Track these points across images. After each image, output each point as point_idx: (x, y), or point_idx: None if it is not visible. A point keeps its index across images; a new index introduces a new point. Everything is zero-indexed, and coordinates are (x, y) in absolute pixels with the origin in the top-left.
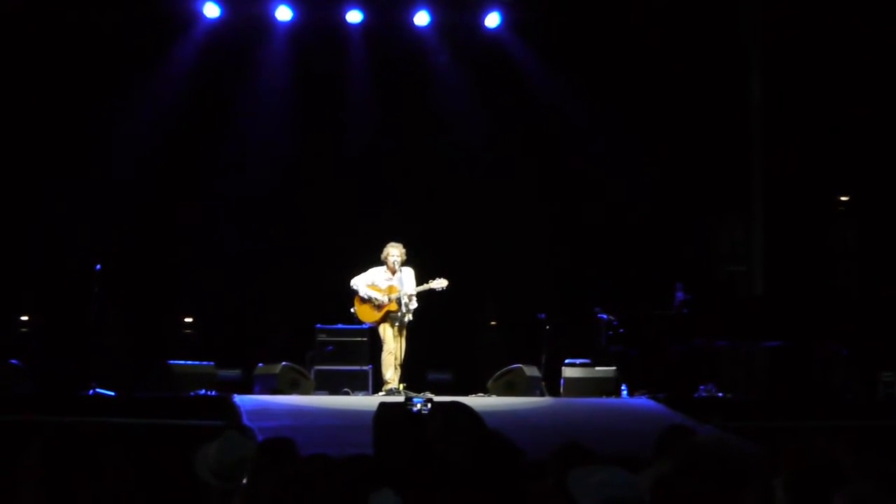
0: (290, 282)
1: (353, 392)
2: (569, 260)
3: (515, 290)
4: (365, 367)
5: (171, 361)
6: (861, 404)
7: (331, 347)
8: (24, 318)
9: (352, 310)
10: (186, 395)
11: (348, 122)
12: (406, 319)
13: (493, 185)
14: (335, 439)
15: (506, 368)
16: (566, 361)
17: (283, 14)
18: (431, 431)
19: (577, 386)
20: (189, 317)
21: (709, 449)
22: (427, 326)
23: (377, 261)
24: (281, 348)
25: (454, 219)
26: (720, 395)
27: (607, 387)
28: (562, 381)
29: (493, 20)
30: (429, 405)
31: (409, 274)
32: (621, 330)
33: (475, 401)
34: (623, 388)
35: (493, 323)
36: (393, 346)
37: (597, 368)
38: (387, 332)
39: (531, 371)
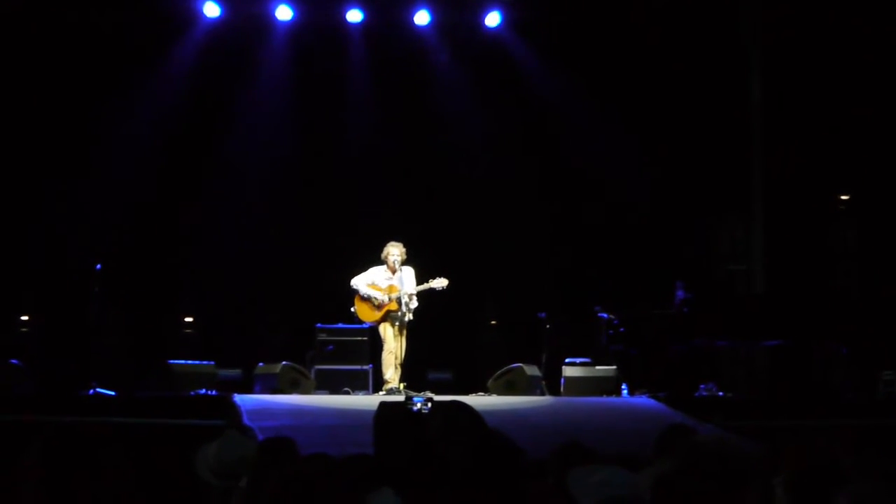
0: (290, 282)
1: (353, 391)
2: (569, 259)
3: (516, 289)
4: (365, 367)
5: (172, 361)
6: (861, 403)
7: (331, 347)
8: (24, 318)
9: (352, 309)
10: (187, 395)
11: (348, 121)
12: (406, 319)
13: (493, 184)
14: (335, 439)
15: (506, 368)
16: (566, 361)
17: (284, 13)
18: (432, 431)
19: (578, 385)
20: (189, 316)
21: (709, 448)
22: (427, 326)
23: (377, 260)
24: (281, 348)
25: (454, 219)
26: (720, 394)
27: (608, 386)
28: (562, 380)
29: (493, 19)
30: (429, 404)
31: (409, 273)
32: (622, 329)
33: (475, 400)
34: (623, 387)
35: (493, 322)
36: (393, 346)
37: (597, 368)
38: (387, 331)
39: (531, 370)
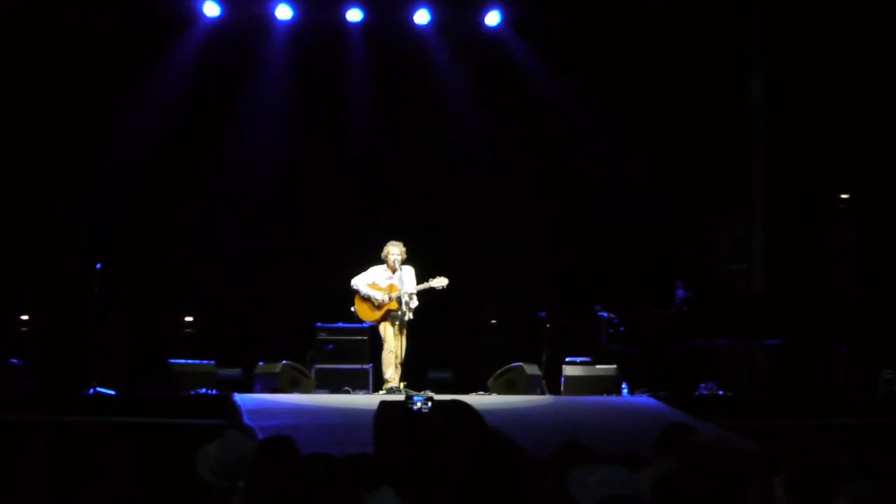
0: (290, 281)
1: (353, 391)
2: (569, 259)
3: (516, 288)
4: (365, 366)
5: (172, 360)
6: (861, 403)
7: (331, 346)
8: (24, 317)
9: (352, 309)
10: (187, 394)
11: (348, 121)
12: (406, 318)
13: (493, 184)
14: (336, 438)
15: (506, 367)
16: (567, 360)
17: (284, 13)
18: (432, 430)
19: (578, 384)
20: (189, 316)
21: (709, 447)
22: (427, 325)
23: (377, 260)
24: (281, 347)
25: (454, 218)
26: (721, 393)
27: (608, 385)
28: (562, 379)
29: (493, 19)
30: (429, 404)
31: (409, 272)
32: (622, 328)
33: (475, 399)
34: (624, 386)
35: (493, 321)
36: (393, 345)
37: (597, 367)
38: (387, 330)
39: (532, 369)
